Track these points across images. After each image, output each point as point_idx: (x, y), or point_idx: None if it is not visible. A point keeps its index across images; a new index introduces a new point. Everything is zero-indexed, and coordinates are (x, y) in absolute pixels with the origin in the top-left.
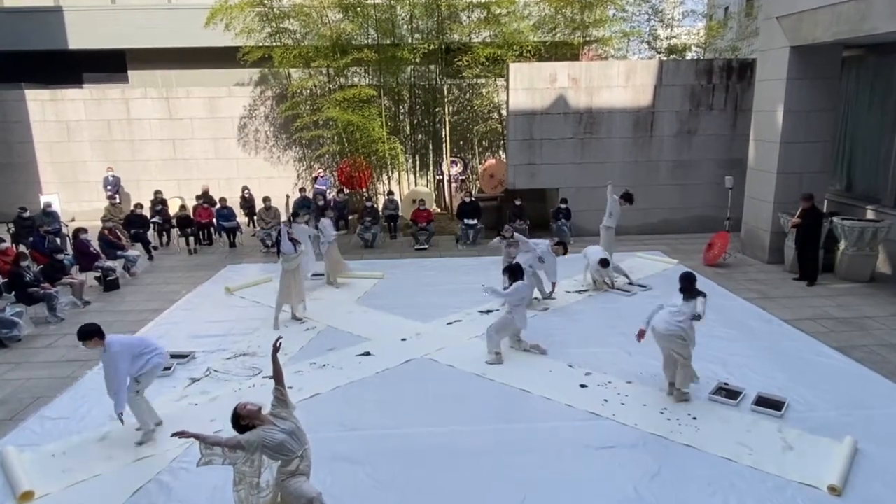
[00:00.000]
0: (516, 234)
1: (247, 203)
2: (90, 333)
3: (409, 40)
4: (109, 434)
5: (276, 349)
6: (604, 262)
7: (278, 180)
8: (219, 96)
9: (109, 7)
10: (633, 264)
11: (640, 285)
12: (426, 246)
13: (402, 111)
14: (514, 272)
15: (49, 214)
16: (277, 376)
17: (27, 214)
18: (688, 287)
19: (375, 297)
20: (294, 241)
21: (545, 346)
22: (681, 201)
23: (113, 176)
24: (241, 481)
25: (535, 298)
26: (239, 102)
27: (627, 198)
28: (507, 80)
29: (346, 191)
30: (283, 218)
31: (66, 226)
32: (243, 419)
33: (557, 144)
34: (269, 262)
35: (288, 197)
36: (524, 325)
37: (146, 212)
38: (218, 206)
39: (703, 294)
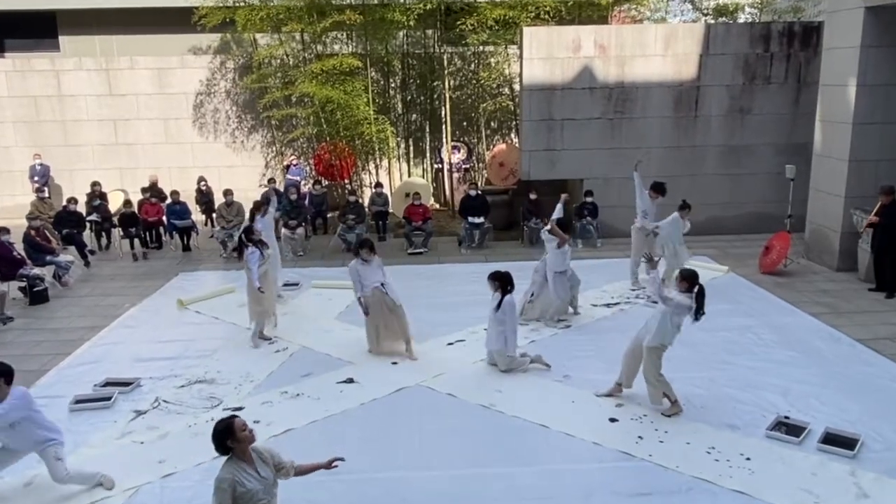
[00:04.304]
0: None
1: (204, 197)
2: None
3: None
4: (37, 478)
5: (330, 466)
6: (684, 204)
7: (242, 169)
8: (170, 67)
9: None
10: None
11: None
12: (422, 249)
13: (392, 86)
14: (499, 280)
15: None
16: (304, 469)
17: None
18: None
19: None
20: (260, 245)
21: (547, 360)
22: (732, 195)
23: (41, 164)
24: None
25: (561, 319)
26: (194, 75)
27: (658, 189)
28: (520, 48)
29: (325, 182)
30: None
31: None
32: (232, 441)
33: (582, 126)
34: (231, 269)
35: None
36: (492, 346)
37: (81, 208)
38: (169, 200)
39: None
